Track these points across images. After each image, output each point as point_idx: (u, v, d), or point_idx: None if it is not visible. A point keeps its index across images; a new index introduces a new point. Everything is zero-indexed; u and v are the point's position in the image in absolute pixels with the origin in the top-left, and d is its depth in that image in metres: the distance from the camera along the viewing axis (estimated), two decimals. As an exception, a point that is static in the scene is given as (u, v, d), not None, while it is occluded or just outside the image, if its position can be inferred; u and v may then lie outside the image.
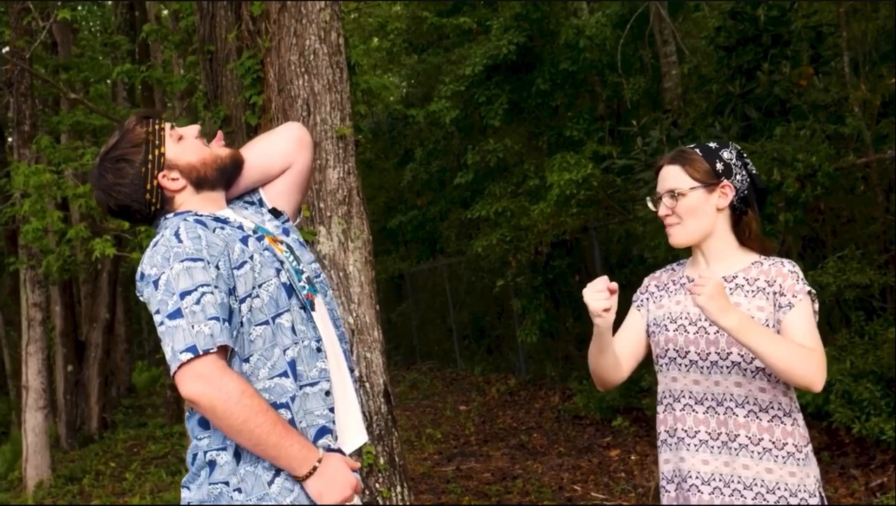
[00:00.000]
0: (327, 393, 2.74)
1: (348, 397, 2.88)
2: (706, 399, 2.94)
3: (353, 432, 2.87)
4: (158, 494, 10.42)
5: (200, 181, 2.81)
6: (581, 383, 11.91)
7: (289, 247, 2.87)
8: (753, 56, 9.21)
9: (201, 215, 2.74)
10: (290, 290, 2.73)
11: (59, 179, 9.02)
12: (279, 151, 3.01)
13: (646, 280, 3.24)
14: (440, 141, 18.37)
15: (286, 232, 2.94)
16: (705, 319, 2.95)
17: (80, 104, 11.82)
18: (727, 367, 2.91)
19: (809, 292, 2.89)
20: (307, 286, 2.83)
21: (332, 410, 2.74)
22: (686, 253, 3.17)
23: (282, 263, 2.75)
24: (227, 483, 2.60)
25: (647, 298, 3.18)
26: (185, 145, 2.81)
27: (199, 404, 2.48)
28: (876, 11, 10.09)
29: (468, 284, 18.05)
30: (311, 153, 3.08)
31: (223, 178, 2.86)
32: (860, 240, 8.10)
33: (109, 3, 17.83)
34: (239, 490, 2.60)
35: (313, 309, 2.81)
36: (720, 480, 2.91)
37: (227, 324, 2.54)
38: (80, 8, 14.13)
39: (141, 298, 2.69)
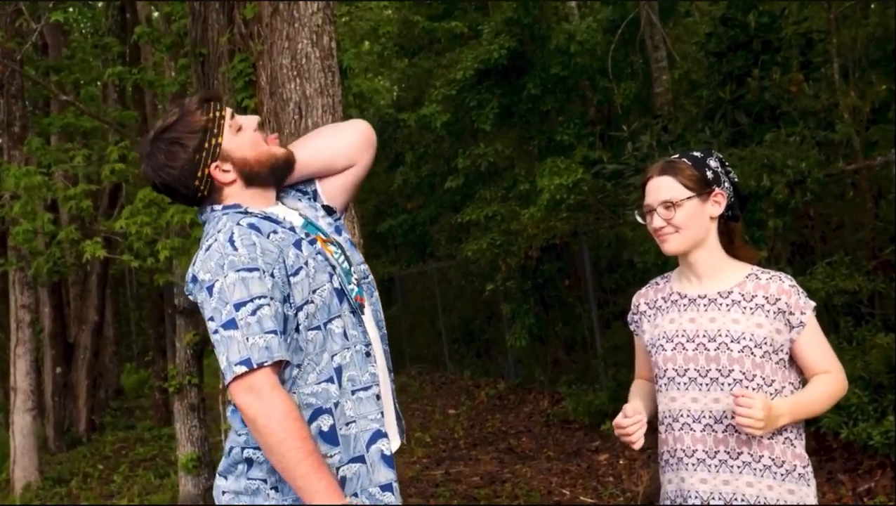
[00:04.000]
0: (378, 397, 2.73)
1: (390, 398, 2.87)
2: (703, 417, 2.93)
3: (393, 434, 2.86)
4: (146, 496, 10.42)
5: (252, 177, 2.75)
6: (570, 387, 11.93)
7: (340, 246, 2.84)
8: (744, 62, 9.25)
9: (252, 214, 2.70)
10: (342, 294, 2.71)
11: (49, 181, 9.00)
12: (346, 147, 2.96)
13: (635, 299, 3.20)
14: (431, 145, 18.37)
15: (338, 231, 2.90)
16: (703, 336, 2.95)
17: (70, 106, 11.81)
18: (728, 384, 2.90)
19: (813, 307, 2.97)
20: (356, 288, 2.80)
21: (383, 414, 2.74)
22: (673, 261, 3.17)
23: (333, 267, 2.72)
24: (265, 481, 2.62)
25: (640, 318, 3.16)
26: (242, 138, 2.76)
27: (244, 415, 2.48)
28: (866, 18, 10.14)
29: (458, 287, 18.05)
30: (373, 155, 3.04)
31: (274, 177, 2.81)
32: (849, 246, 8.12)
33: (100, 4, 17.80)
34: (276, 489, 2.62)
35: (363, 312, 2.79)
36: (720, 498, 2.90)
37: (283, 336, 2.53)
38: (71, 10, 14.09)
39: (191, 298, 2.67)
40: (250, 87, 6.21)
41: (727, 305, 2.95)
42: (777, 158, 7.80)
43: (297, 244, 2.68)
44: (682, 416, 2.96)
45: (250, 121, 2.80)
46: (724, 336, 2.92)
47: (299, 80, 5.98)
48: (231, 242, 2.57)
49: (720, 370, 2.90)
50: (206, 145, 2.70)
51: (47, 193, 9.03)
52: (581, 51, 13.50)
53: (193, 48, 6.82)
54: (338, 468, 2.63)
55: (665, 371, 2.99)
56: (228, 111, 2.76)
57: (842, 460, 7.42)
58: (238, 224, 2.63)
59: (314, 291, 2.64)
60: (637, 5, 12.74)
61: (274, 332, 2.50)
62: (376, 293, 2.94)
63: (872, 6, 10.55)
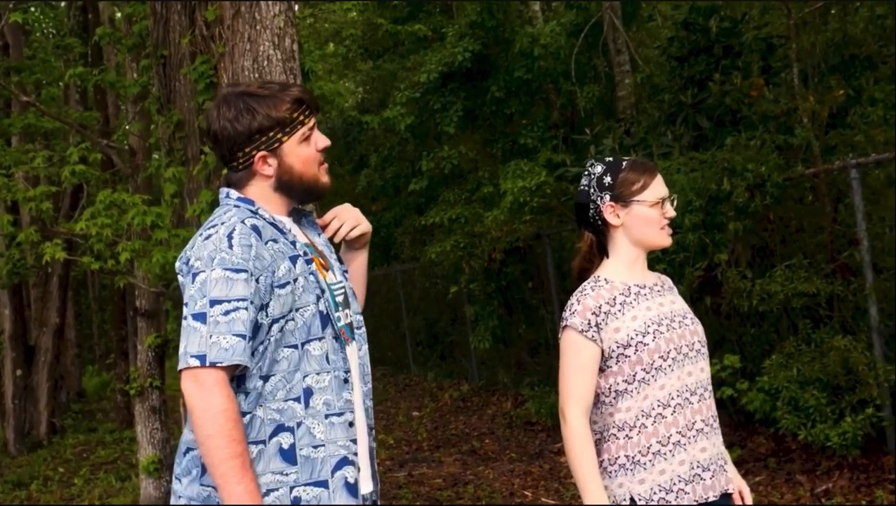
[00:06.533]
0: (351, 424, 2.74)
1: (364, 450, 2.84)
2: (698, 388, 3.05)
3: (365, 475, 2.83)
4: (107, 499, 10.34)
5: (285, 186, 2.79)
6: (533, 389, 11.97)
7: (343, 292, 2.87)
8: (705, 66, 9.32)
9: (261, 216, 2.73)
10: (326, 319, 2.73)
11: (9, 182, 8.91)
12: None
13: (591, 303, 3.08)
14: (395, 147, 18.37)
15: (345, 276, 2.94)
16: (678, 315, 3.11)
17: (31, 107, 11.71)
18: (705, 353, 3.12)
19: None
20: (343, 324, 2.81)
21: (354, 441, 2.74)
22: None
23: (323, 291, 2.75)
24: (216, 488, 2.60)
25: (605, 319, 3.05)
26: (303, 150, 2.78)
27: (186, 402, 2.54)
28: (825, 24, 10.24)
29: (422, 290, 18.07)
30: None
31: (303, 197, 2.86)
32: (808, 249, 8.20)
33: (62, 5, 17.68)
34: None
35: (347, 342, 2.81)
36: (713, 461, 3.04)
37: (250, 342, 2.57)
38: (32, 10, 13.97)
39: (179, 277, 2.70)
40: (212, 88, 6.19)
41: (666, 290, 3.19)
42: (737, 161, 7.87)
43: (293, 259, 2.70)
44: (673, 398, 3.01)
45: (321, 141, 2.83)
46: (689, 313, 3.15)
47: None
48: (229, 237, 2.60)
49: (700, 341, 3.11)
50: (270, 134, 2.73)
51: (7, 194, 8.94)
52: (545, 54, 13.56)
53: (155, 50, 6.80)
54: (292, 488, 2.63)
55: (651, 362, 3.00)
56: (311, 123, 2.80)
57: (800, 461, 7.50)
58: (242, 222, 2.66)
59: (297, 310, 2.67)
60: (600, 9, 12.80)
61: (242, 336, 2.54)
62: (366, 346, 2.94)
63: (832, 12, 10.65)
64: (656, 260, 7.95)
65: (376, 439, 2.95)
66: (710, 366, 3.17)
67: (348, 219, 3.03)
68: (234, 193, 2.79)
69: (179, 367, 2.55)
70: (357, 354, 2.87)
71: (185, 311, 2.58)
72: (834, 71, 9.53)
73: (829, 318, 7.74)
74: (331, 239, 3.01)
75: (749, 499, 3.20)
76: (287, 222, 2.83)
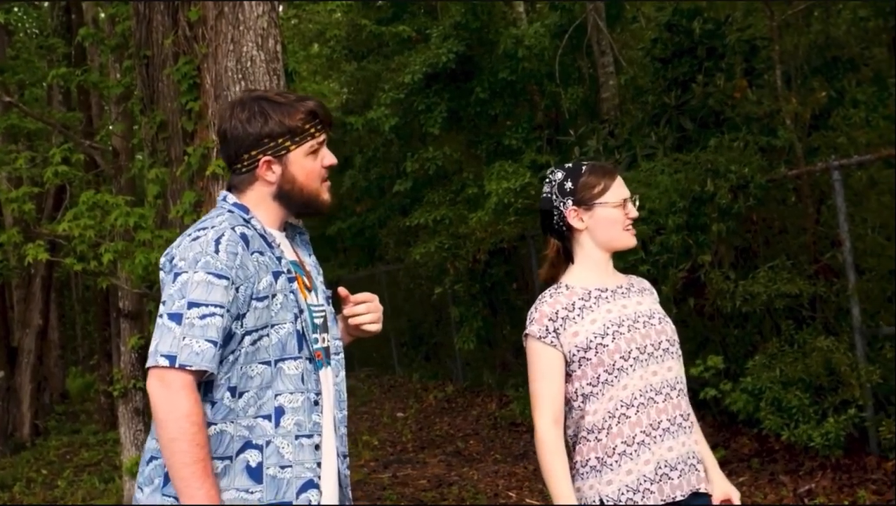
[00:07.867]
0: (317, 447, 2.73)
1: (332, 475, 2.83)
2: (664, 387, 3.07)
3: (330, 493, 2.82)
4: (91, 501, 10.31)
5: (285, 195, 2.79)
6: (518, 390, 11.97)
7: (324, 316, 2.87)
8: (689, 68, 9.35)
9: (253, 226, 2.73)
10: (302, 339, 2.72)
11: (-9, 183, 8.89)
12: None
13: (548, 309, 3.13)
14: (379, 148, 18.36)
15: (328, 301, 2.94)
16: (643, 316, 3.13)
17: (14, 107, 11.67)
18: (674, 352, 3.13)
19: None
20: (320, 347, 2.82)
21: (319, 464, 2.73)
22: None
23: (301, 310, 2.74)
24: (176, 498, 2.59)
25: (563, 323, 3.10)
26: (308, 162, 2.80)
27: (151, 399, 2.52)
28: (808, 26, 10.28)
29: (406, 291, 18.05)
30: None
31: (301, 209, 2.86)
32: (791, 250, 8.23)
33: (46, 5, 17.62)
34: None
35: (321, 365, 2.80)
36: (680, 460, 3.05)
37: (220, 350, 2.56)
38: (15, 10, 13.93)
39: (161, 272, 2.69)
40: (195, 89, 6.19)
41: (633, 292, 3.21)
42: (721, 163, 7.89)
43: (276, 275, 2.69)
44: (636, 398, 3.03)
45: (328, 158, 2.84)
46: (657, 313, 3.17)
47: (244, 82, 5.97)
48: (217, 242, 2.60)
49: (669, 341, 3.12)
50: (280, 140, 2.74)
51: (-11, 195, 8.92)
52: (529, 55, 13.57)
53: (138, 50, 6.79)
54: None
55: (613, 363, 3.03)
56: (322, 138, 2.81)
57: (783, 462, 7.52)
58: (232, 229, 2.65)
59: (272, 326, 2.66)
60: (584, 10, 12.82)
61: (214, 343, 2.53)
62: (343, 373, 2.94)
63: (815, 14, 10.70)
64: (640, 261, 7.97)
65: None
66: (682, 365, 3.18)
67: (375, 312, 3.02)
68: (231, 198, 2.79)
69: (148, 364, 2.53)
70: (332, 379, 2.87)
71: (162, 309, 2.56)
72: (816, 73, 9.57)
73: (812, 319, 7.77)
74: (338, 302, 3.01)
75: (737, 500, 3.23)
76: (278, 236, 2.82)
